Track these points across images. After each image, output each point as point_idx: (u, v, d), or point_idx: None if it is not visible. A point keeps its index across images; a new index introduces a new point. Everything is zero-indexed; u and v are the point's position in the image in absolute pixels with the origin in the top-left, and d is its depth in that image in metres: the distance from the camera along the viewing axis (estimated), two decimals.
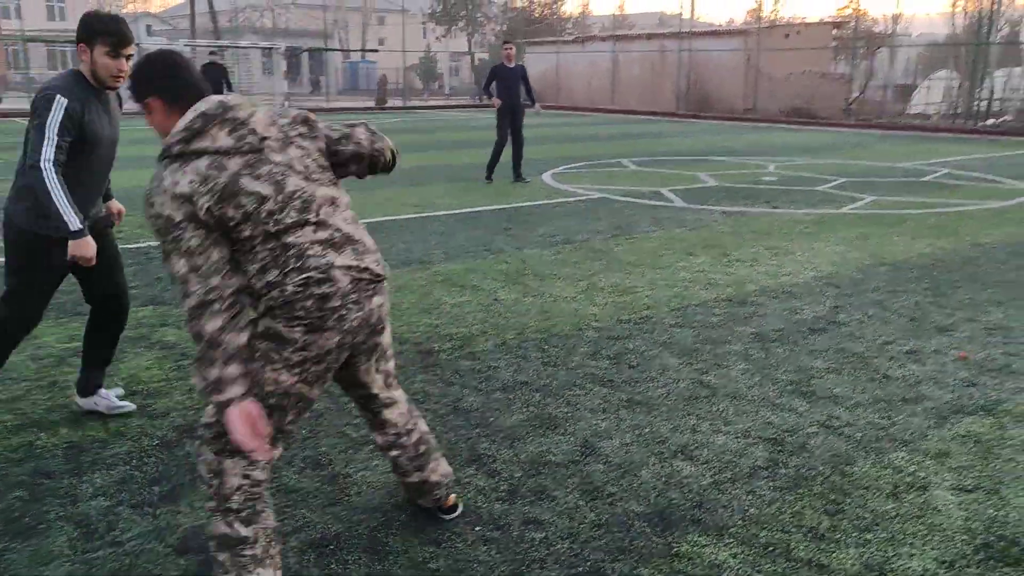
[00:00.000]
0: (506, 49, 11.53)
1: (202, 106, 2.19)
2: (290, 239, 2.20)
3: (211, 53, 19.52)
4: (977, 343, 4.71)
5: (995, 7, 27.32)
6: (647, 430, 3.54)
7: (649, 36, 33.97)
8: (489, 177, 11.35)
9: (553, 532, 2.76)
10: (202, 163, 2.12)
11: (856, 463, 3.26)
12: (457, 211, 9.00)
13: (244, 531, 2.29)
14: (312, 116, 2.39)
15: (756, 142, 18.26)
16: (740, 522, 2.83)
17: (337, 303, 2.22)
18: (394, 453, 2.69)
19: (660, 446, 3.39)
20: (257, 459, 2.26)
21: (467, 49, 43.60)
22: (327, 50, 42.51)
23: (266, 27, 46.96)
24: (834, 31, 30.99)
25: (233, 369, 2.09)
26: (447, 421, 3.60)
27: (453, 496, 2.87)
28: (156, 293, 5.61)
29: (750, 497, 2.99)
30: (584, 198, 10.01)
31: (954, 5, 40.46)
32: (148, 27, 50.33)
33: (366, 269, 2.29)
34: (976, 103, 24.40)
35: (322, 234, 2.24)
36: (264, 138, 2.22)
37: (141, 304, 5.34)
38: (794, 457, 3.30)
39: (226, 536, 2.29)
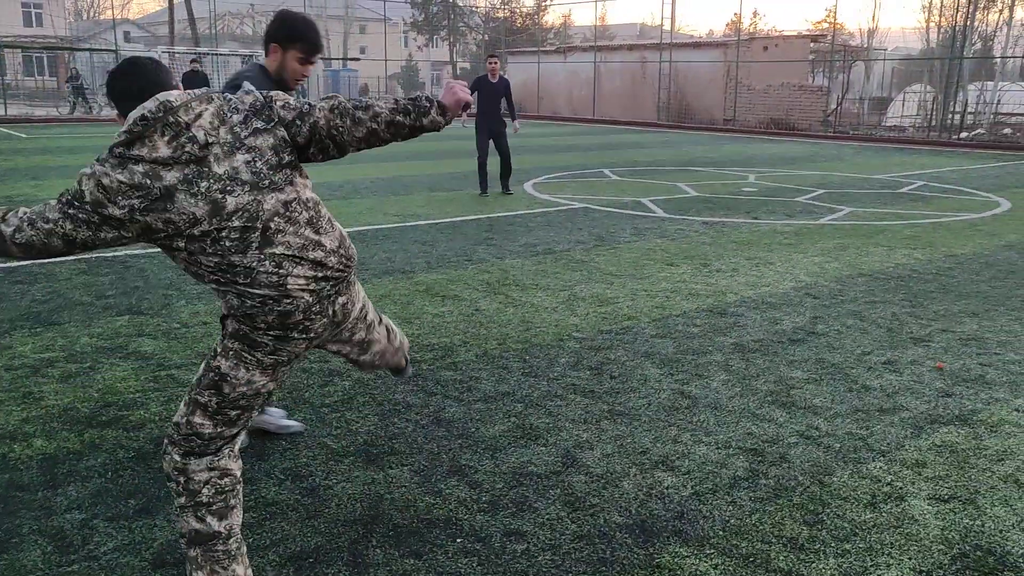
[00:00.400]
0: (491, 63, 11.35)
1: (149, 104, 2.10)
2: (235, 259, 2.13)
3: (192, 61, 19.36)
4: (952, 353, 4.76)
5: (968, 22, 27.79)
6: (628, 441, 3.54)
7: (631, 47, 34.21)
8: (483, 192, 11.15)
9: (535, 544, 2.75)
10: (139, 168, 2.08)
11: (835, 473, 3.28)
12: (438, 221, 8.99)
13: (217, 526, 2.27)
14: (273, 98, 2.24)
15: (736, 153, 18.41)
16: (721, 533, 2.83)
17: (300, 317, 2.21)
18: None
19: (641, 457, 3.39)
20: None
21: (449, 58, 43.66)
22: None
23: (246, 34, 46.77)
24: (812, 44, 31.37)
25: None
26: (428, 432, 3.58)
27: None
28: (133, 303, 5.55)
29: (731, 508, 3.00)
30: (565, 208, 10.03)
31: (928, 20, 41.06)
32: (126, 33, 49.94)
33: (328, 273, 2.23)
34: (950, 116, 24.78)
35: (274, 249, 2.15)
36: (207, 144, 2.10)
37: (117, 314, 5.28)
38: (774, 468, 3.32)
39: (197, 532, 2.27)
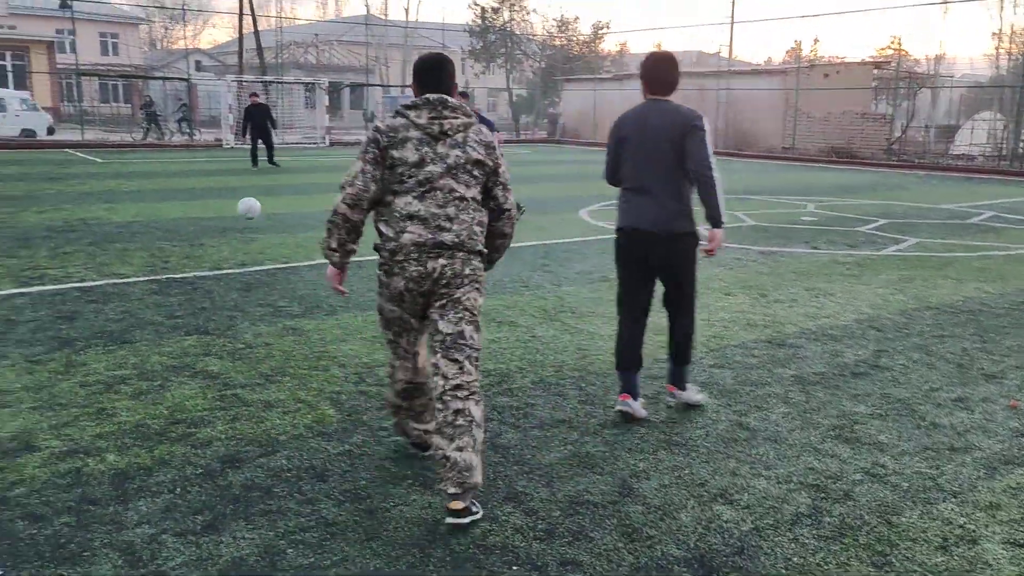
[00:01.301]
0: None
1: (431, 96, 3.17)
2: (395, 200, 3.13)
3: (252, 95, 20.14)
4: None
5: None
6: (686, 472, 3.50)
7: (688, 75, 34.11)
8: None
9: (591, 574, 2.73)
10: (398, 120, 3.15)
11: (903, 513, 3.19)
12: None
13: (397, 400, 3.49)
14: (498, 146, 3.29)
15: (795, 181, 18.15)
16: (784, 571, 2.77)
17: (400, 257, 3.11)
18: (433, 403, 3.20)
19: (699, 489, 3.35)
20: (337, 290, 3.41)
21: (505, 85, 44.13)
22: (368, 85, 43.30)
23: (310, 63, 48.03)
24: (875, 71, 30.88)
25: (334, 241, 3.20)
26: (485, 458, 3.59)
27: (459, 503, 2.99)
28: (200, 323, 5.71)
29: (793, 545, 2.94)
30: None
31: (998, 47, 40.07)
32: (197, 63, 51.74)
33: (436, 240, 3.08)
34: (1021, 145, 24.05)
35: (415, 207, 3.10)
36: (446, 133, 3.13)
37: (186, 333, 5.44)
38: (838, 505, 3.24)
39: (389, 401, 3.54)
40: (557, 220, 11.23)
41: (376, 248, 3.19)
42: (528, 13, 44.05)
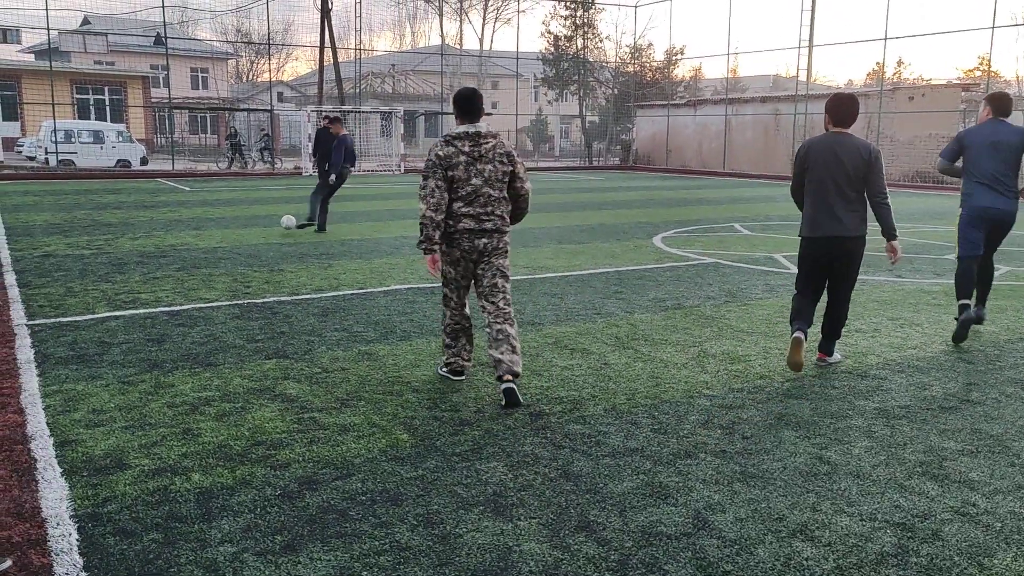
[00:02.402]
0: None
1: (470, 128, 4.77)
2: (453, 203, 4.75)
3: (324, 118, 20.54)
4: None
5: None
6: (763, 505, 3.41)
7: (763, 99, 33.65)
8: None
9: None
10: (450, 149, 4.70)
11: (996, 555, 3.04)
12: (567, 273, 9.06)
13: (447, 340, 5.09)
14: (514, 155, 4.87)
15: None
16: None
17: (456, 236, 4.76)
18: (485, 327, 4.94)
19: (777, 523, 3.26)
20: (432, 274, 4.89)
21: (578, 112, 44.32)
22: (443, 114, 44.10)
23: (387, 92, 49.24)
24: (963, 93, 29.83)
25: (430, 233, 4.71)
26: (557, 485, 3.59)
27: (511, 385, 4.66)
28: (280, 347, 5.88)
29: None
30: (695, 263, 9.90)
31: None
32: (280, 94, 53.68)
33: (481, 228, 4.76)
34: None
35: (465, 209, 4.75)
36: (481, 155, 4.73)
37: (266, 357, 5.60)
38: (926, 545, 3.11)
39: (443, 342, 5.12)
40: (630, 247, 11.17)
41: (442, 236, 4.82)
42: (601, 40, 44.18)
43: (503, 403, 4.60)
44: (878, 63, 30.90)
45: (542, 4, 54.85)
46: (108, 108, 38.24)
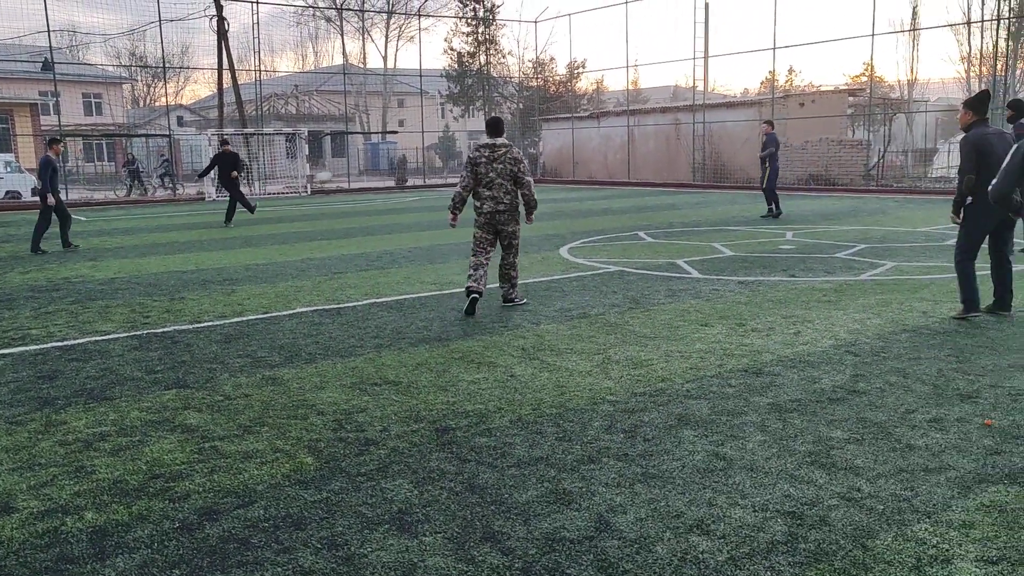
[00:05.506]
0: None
1: (490, 141, 7.66)
2: (478, 188, 7.68)
3: (222, 142, 20.03)
4: (1001, 410, 4.65)
5: (1007, 71, 27.61)
6: (662, 504, 3.52)
7: (664, 109, 34.62)
8: None
9: None
10: (477, 153, 7.74)
11: (878, 536, 3.22)
12: None
13: (470, 271, 7.71)
14: (519, 157, 7.67)
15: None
16: None
17: (481, 208, 7.69)
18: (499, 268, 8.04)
19: (676, 520, 3.37)
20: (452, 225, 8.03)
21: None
22: (348, 133, 43.69)
23: (290, 113, 48.47)
24: (850, 98, 31.41)
25: (456, 203, 7.79)
26: (461, 498, 3.61)
27: (511, 297, 8.03)
28: (180, 376, 5.71)
29: (769, 573, 2.95)
30: (601, 272, 10.11)
31: (968, 70, 40.89)
32: (179, 118, 52.14)
33: (494, 207, 7.64)
34: None
35: (487, 192, 7.64)
36: (494, 159, 7.58)
37: (164, 388, 5.44)
38: (814, 531, 3.26)
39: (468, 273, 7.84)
40: (537, 259, 11.31)
41: (475, 208, 7.76)
42: (504, 56, 44.69)
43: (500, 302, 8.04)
44: (771, 71, 32.26)
45: (444, 21, 55.07)
46: None
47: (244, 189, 19.64)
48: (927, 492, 3.60)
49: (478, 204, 7.61)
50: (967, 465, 3.88)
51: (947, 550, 3.09)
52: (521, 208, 7.83)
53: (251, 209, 18.63)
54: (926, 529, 3.26)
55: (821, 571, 2.96)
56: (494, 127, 7.70)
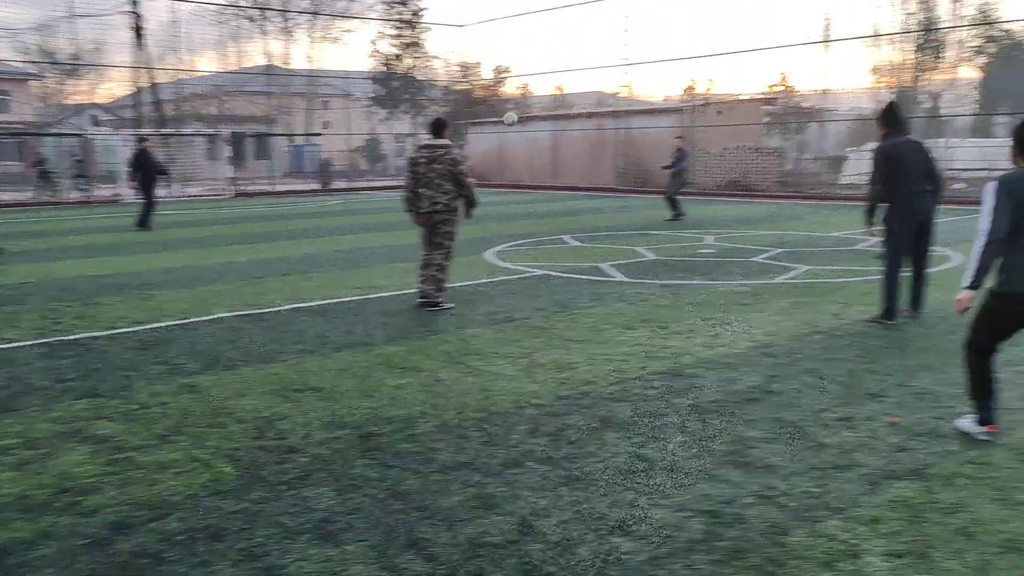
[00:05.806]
0: None
1: (431, 141, 7.96)
2: (417, 187, 7.85)
3: (140, 140, 19.54)
4: (907, 408, 4.86)
5: (916, 83, 28.93)
6: (585, 506, 3.56)
7: (588, 115, 35.06)
8: None
9: None
10: (418, 153, 7.96)
11: (791, 533, 3.32)
12: (400, 292, 9.03)
13: (420, 271, 8.18)
14: (457, 158, 7.85)
15: (694, 215, 18.78)
16: None
17: (420, 207, 7.89)
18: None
19: (598, 522, 3.41)
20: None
21: (410, 131, 44.41)
22: (271, 135, 42.82)
23: (211, 114, 47.20)
24: (765, 107, 32.41)
25: (407, 206, 8.06)
26: (385, 505, 3.58)
27: (437, 301, 7.96)
28: (92, 385, 5.50)
29: (687, 572, 3.02)
30: (526, 275, 10.16)
31: (878, 81, 42.70)
32: (94, 117, 50.17)
33: (431, 206, 7.81)
34: None
35: (426, 192, 7.79)
36: (433, 159, 7.78)
37: (75, 398, 5.22)
38: (731, 529, 3.35)
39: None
40: (464, 263, 11.28)
41: (416, 207, 7.86)
42: (430, 59, 44.57)
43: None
44: (692, 80, 33.16)
45: (369, 23, 54.58)
46: None
47: (162, 191, 19.00)
48: (838, 489, 3.73)
49: (417, 203, 7.82)
50: (875, 462, 4.05)
51: (856, 545, 3.21)
52: (461, 208, 8.03)
53: (148, 225, 17.02)
54: (836, 525, 3.38)
55: (737, 568, 3.04)
56: (436, 127, 7.94)
